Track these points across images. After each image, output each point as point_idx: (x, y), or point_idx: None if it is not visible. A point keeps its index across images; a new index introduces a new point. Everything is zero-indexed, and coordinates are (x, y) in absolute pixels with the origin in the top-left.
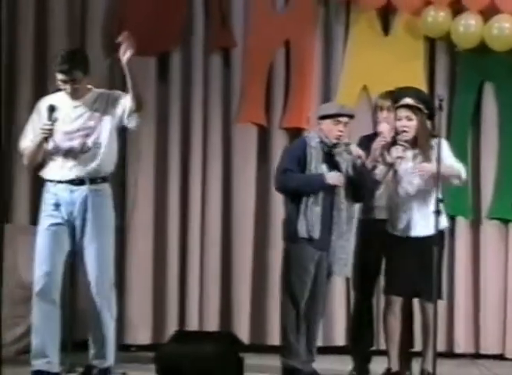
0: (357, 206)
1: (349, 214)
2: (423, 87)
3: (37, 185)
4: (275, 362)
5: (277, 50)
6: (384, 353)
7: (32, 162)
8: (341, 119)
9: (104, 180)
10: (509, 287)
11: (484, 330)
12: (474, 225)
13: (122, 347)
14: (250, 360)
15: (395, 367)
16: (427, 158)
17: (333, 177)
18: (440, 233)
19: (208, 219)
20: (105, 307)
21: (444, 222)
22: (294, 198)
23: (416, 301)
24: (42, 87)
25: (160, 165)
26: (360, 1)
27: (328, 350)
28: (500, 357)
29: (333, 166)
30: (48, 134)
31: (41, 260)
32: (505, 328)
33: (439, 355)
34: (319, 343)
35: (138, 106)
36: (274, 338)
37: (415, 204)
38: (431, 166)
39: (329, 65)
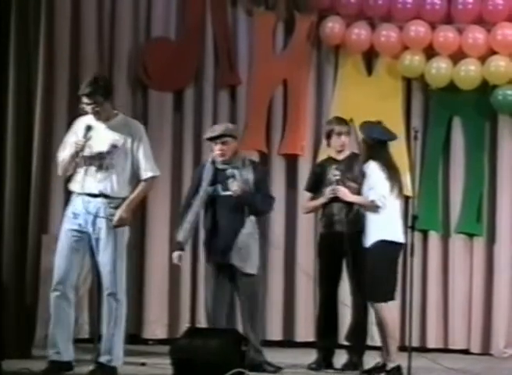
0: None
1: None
2: (400, 120)
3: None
4: (275, 354)
5: (276, 87)
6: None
7: (65, 172)
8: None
9: (117, 197)
10: (473, 292)
11: (452, 328)
12: (443, 238)
13: (142, 340)
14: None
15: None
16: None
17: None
18: (379, 245)
19: None
20: (117, 308)
21: (384, 236)
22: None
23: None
24: (75, 111)
25: (175, 185)
26: (348, 46)
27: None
28: (466, 351)
29: (226, 184)
30: (80, 149)
31: (58, 262)
32: (470, 327)
33: (413, 349)
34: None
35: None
36: (273, 334)
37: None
38: (344, 192)
39: (321, 100)
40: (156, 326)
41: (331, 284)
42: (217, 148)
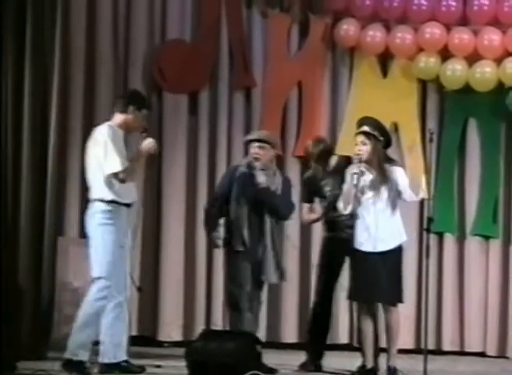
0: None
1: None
2: (416, 122)
3: (85, 203)
4: (288, 357)
5: (291, 89)
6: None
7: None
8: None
9: None
10: (489, 294)
11: (468, 330)
12: (459, 240)
13: (157, 343)
14: (267, 356)
15: (369, 364)
16: (382, 181)
17: None
18: (398, 247)
19: None
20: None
21: (404, 237)
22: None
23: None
24: (91, 114)
25: (190, 187)
26: (363, 47)
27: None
28: (482, 354)
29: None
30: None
31: (118, 271)
32: (486, 329)
33: (429, 352)
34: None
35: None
36: (288, 336)
37: (377, 223)
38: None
39: (336, 102)
40: (171, 329)
41: (329, 287)
42: (253, 152)
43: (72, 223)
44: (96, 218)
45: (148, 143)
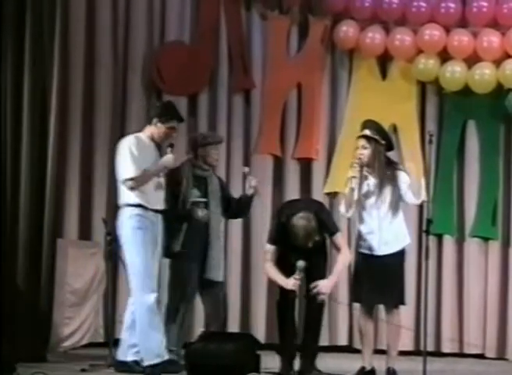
0: None
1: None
2: (415, 124)
3: (84, 205)
4: None
5: (290, 91)
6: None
7: (142, 185)
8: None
9: None
10: (488, 296)
11: (467, 332)
12: (458, 242)
13: None
14: (266, 357)
15: (368, 366)
16: (384, 185)
17: None
18: (402, 250)
19: (231, 235)
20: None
21: (408, 240)
22: None
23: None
24: (90, 116)
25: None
26: (362, 50)
27: (332, 349)
28: (481, 356)
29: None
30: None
31: (153, 269)
32: (485, 331)
33: (428, 353)
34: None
35: None
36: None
37: (381, 226)
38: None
39: (335, 104)
40: None
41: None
42: (215, 153)
43: (71, 225)
44: (127, 223)
45: (167, 158)
